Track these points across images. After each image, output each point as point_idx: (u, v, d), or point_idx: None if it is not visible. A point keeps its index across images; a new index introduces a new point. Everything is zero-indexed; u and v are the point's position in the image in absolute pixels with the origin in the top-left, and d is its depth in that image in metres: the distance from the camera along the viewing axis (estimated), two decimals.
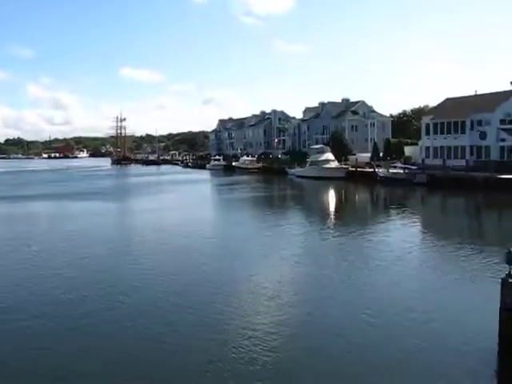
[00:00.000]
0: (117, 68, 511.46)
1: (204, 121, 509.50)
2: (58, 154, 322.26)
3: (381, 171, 75.49)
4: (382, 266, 24.45)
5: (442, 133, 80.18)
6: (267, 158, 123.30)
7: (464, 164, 71.60)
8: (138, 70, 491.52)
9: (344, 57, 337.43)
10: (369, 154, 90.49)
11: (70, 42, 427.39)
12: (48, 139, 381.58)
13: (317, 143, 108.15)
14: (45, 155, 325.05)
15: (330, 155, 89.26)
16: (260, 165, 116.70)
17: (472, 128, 75.91)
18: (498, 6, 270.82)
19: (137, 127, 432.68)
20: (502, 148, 72.93)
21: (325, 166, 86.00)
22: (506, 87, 78.95)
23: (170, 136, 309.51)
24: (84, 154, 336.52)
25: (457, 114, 77.83)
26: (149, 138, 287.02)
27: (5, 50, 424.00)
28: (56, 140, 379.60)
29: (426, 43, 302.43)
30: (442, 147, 79.38)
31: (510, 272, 13.94)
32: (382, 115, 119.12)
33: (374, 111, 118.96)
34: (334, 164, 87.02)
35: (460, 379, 12.83)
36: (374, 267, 24.24)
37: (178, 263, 26.05)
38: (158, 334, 15.92)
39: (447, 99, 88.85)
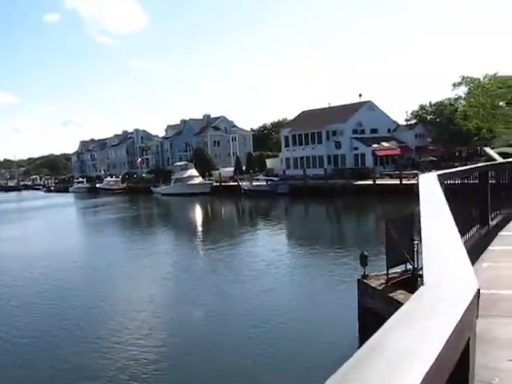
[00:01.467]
0: None
1: (65, 143, 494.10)
2: None
3: (244, 184, 77.25)
4: (252, 275, 25.10)
5: (300, 144, 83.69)
6: (132, 178, 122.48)
7: (323, 173, 75.03)
8: None
9: (202, 72, 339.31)
10: (232, 168, 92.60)
11: None
12: None
13: (180, 160, 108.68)
14: None
15: (193, 171, 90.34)
16: (125, 185, 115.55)
17: (328, 138, 79.97)
18: (345, 20, 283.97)
19: None
20: (356, 156, 77.38)
21: (189, 182, 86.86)
22: (356, 99, 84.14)
23: (30, 160, 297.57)
24: None
25: (313, 125, 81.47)
26: (7, 164, 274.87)
27: None
28: None
29: (265, 54, 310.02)
30: (301, 158, 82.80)
31: (364, 273, 15.22)
32: (242, 129, 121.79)
33: (235, 126, 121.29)
34: (199, 180, 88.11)
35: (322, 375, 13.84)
36: (245, 278, 24.89)
37: (37, 292, 24.64)
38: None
39: (303, 112, 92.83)
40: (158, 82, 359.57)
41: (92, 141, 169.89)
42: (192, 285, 24.51)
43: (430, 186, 5.93)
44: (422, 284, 2.35)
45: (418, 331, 1.71)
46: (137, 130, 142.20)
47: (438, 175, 7.16)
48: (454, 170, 11.24)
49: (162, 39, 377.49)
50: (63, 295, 23.70)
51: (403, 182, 56.56)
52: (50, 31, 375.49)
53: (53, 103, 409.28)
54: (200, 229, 50.46)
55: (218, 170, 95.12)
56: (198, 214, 65.54)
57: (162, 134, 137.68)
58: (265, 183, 75.34)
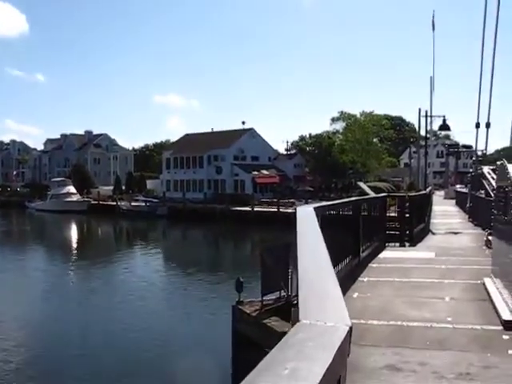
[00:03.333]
0: None
1: None
2: None
3: (123, 204, 76.26)
4: (124, 299, 24.65)
5: (181, 167, 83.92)
6: (4, 191, 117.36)
7: (202, 197, 75.21)
8: None
9: (83, 85, 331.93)
10: (111, 187, 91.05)
11: None
12: None
13: (59, 176, 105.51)
14: None
15: (71, 188, 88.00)
16: None
17: (209, 163, 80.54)
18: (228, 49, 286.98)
19: None
20: (236, 182, 78.42)
21: (66, 199, 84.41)
22: (239, 126, 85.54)
23: None
24: None
25: (195, 149, 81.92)
26: None
27: None
28: None
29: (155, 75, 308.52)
30: (182, 181, 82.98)
31: (239, 299, 15.33)
32: (124, 148, 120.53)
33: (116, 144, 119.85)
34: (76, 197, 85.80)
35: None
36: (116, 301, 24.46)
37: None
38: None
39: (186, 135, 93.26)
40: (36, 93, 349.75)
41: None
42: (60, 303, 23.94)
43: (306, 219, 6.17)
44: (298, 320, 2.47)
45: (290, 371, 1.80)
46: (14, 142, 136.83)
47: (315, 208, 7.44)
48: (330, 202, 11.69)
49: (43, 49, 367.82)
50: None
51: (280, 210, 57.84)
52: None
53: None
54: (75, 248, 49.03)
55: (97, 188, 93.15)
56: (73, 232, 63.72)
57: (40, 147, 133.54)
58: (144, 204, 74.67)
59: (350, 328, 2.33)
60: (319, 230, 5.50)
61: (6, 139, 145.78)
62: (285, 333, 2.38)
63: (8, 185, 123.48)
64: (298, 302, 3.05)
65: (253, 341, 12.73)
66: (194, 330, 19.98)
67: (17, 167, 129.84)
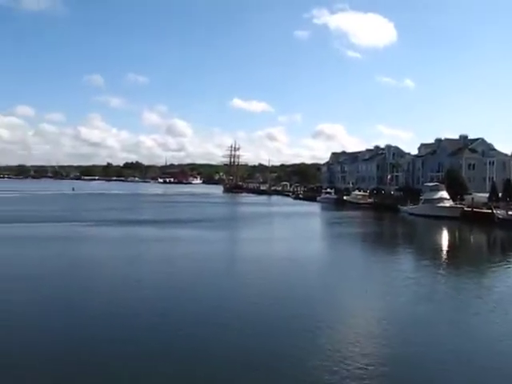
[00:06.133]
0: (227, 98, 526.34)
1: (313, 153, 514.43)
2: (172, 179, 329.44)
3: (499, 213, 71.83)
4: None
5: None
6: (379, 194, 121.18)
7: None
8: (247, 101, 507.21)
9: (453, 89, 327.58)
10: (486, 195, 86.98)
11: (182, 73, 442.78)
12: (164, 164, 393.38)
13: (431, 181, 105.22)
14: (160, 180, 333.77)
15: (444, 193, 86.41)
16: (371, 200, 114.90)
17: None
18: None
19: (248, 156, 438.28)
20: None
21: (439, 204, 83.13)
22: None
23: (282, 167, 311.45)
24: (197, 180, 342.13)
25: None
26: (261, 168, 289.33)
27: (123, 79, 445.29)
28: (172, 165, 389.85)
29: None
30: None
31: None
32: (502, 154, 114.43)
33: (493, 149, 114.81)
34: (449, 203, 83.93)
35: None
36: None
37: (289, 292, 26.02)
38: None
39: None
40: (404, 99, 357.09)
41: (343, 153, 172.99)
42: (446, 312, 22.61)
43: None
44: None
45: None
46: (389, 147, 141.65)
47: None
48: None
49: (410, 56, 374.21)
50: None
51: None
52: (299, 46, 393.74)
53: (301, 114, 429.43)
54: (444, 254, 47.20)
55: (470, 194, 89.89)
56: (443, 238, 62.03)
57: (413, 151, 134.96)
58: None
59: None
60: None
61: (381, 144, 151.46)
62: None
63: (382, 188, 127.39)
64: None
65: None
66: None
67: (391, 171, 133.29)
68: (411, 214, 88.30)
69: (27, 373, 15.15)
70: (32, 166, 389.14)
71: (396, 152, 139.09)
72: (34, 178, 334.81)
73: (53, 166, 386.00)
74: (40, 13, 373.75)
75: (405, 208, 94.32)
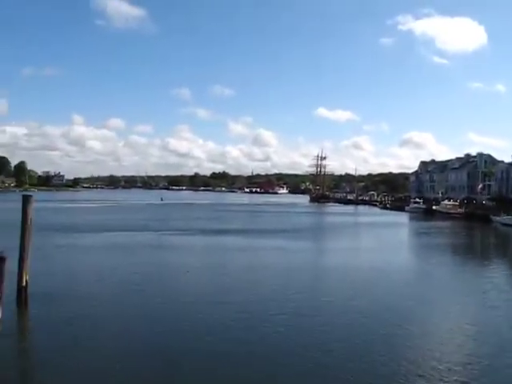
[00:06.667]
0: (312, 108, 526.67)
1: (400, 162, 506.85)
2: (258, 189, 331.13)
3: None
4: None
5: None
6: (470, 204, 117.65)
7: None
8: (332, 110, 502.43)
9: None
10: None
11: (267, 84, 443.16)
12: (250, 174, 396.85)
13: None
14: (247, 190, 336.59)
15: None
16: (462, 210, 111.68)
17: None
18: None
19: (334, 166, 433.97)
20: None
21: None
22: None
23: (369, 176, 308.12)
24: (284, 190, 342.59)
25: None
26: (347, 178, 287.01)
27: (210, 91, 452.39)
28: (258, 175, 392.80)
29: None
30: None
31: None
32: None
33: None
34: None
35: None
36: None
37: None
38: None
39: None
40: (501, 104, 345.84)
41: (432, 162, 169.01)
42: None
43: None
44: None
45: None
46: (480, 154, 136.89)
47: None
48: None
49: (502, 60, 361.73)
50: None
51: None
52: (384, 54, 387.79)
53: (387, 123, 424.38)
54: None
55: None
56: None
57: (508, 159, 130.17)
58: None
59: None
60: None
61: (472, 152, 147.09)
62: None
63: (473, 197, 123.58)
64: None
65: None
66: None
67: (483, 180, 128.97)
68: (505, 225, 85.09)
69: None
70: (122, 177, 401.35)
71: (488, 160, 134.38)
72: (124, 187, 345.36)
73: (142, 176, 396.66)
74: (128, 29, 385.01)
75: (498, 218, 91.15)
